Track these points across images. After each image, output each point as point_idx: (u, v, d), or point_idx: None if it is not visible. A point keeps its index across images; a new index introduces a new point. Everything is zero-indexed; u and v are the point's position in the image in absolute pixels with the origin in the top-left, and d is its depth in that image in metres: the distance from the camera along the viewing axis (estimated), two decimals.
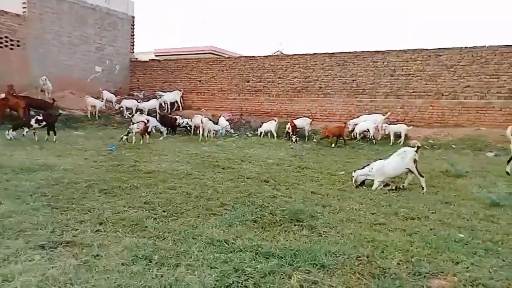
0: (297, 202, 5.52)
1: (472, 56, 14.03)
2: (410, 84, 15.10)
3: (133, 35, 21.42)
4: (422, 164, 9.29)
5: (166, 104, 18.12)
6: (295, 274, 3.18)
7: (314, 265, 3.41)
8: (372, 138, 13.58)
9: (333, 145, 12.90)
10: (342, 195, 6.21)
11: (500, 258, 3.70)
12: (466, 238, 4.26)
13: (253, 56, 18.50)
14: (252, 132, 15.42)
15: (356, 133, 13.91)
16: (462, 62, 14.20)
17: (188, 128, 14.90)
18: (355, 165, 8.24)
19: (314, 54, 17.01)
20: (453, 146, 12.75)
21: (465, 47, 14.16)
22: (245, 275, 3.10)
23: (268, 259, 3.49)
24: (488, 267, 3.48)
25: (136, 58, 22.00)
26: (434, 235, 4.34)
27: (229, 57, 20.39)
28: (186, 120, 15.16)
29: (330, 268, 3.36)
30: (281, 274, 3.18)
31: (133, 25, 21.24)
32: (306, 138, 14.29)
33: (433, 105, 14.66)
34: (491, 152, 11.68)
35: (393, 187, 6.83)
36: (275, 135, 14.25)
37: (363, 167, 7.02)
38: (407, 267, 3.46)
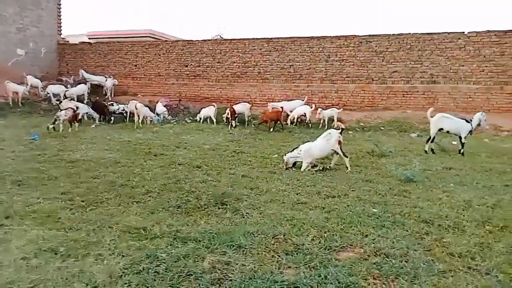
0: (225, 186, 5.56)
1: (398, 43, 14.88)
2: (344, 70, 15.71)
3: (60, 15, 19.88)
4: (352, 145, 9.82)
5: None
6: (209, 256, 3.20)
7: (231, 246, 3.46)
8: (309, 122, 13.99)
9: (271, 129, 13.10)
10: (271, 177, 6.35)
11: (404, 229, 4.01)
12: (379, 212, 4.56)
13: (191, 40, 18.11)
14: (191, 118, 15.18)
15: (294, 118, 14.23)
16: (390, 49, 15.02)
17: (124, 114, 14.31)
18: (289, 148, 8.44)
19: (253, 39, 17.03)
20: (382, 128, 13.54)
21: (392, 34, 14.98)
22: (157, 260, 3.07)
23: (185, 243, 3.49)
24: (392, 237, 3.76)
25: (66, 41, 20.52)
26: (350, 211, 4.59)
27: (166, 41, 19.76)
28: (121, 106, 14.53)
29: (246, 248, 3.44)
30: (195, 257, 3.20)
31: (59, 4, 19.69)
32: (246, 123, 14.36)
33: (364, 90, 15.41)
34: (415, 133, 12.57)
35: (320, 168, 7.12)
36: (214, 120, 14.15)
37: (293, 150, 7.22)
38: (319, 242, 3.64)
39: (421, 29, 14.99)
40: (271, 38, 16.76)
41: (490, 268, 3.11)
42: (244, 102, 15.26)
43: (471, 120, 8.91)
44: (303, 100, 14.79)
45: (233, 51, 17.24)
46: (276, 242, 3.63)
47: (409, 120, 13.74)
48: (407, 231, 3.97)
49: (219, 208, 4.57)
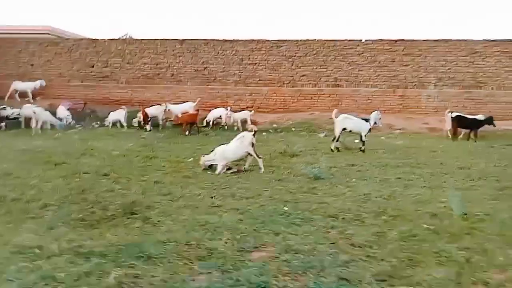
0: (135, 194, 5.30)
1: (306, 48, 15.77)
2: (257, 73, 16.13)
3: None
4: (265, 147, 10.08)
5: None
6: (115, 270, 3.01)
7: (140, 258, 3.30)
8: (224, 124, 14.07)
9: (186, 132, 12.88)
10: (186, 182, 6.23)
11: (312, 225, 4.23)
12: (289, 210, 4.74)
13: (97, 39, 16.96)
14: (98, 122, 14.21)
15: (210, 120, 14.18)
16: (299, 54, 15.84)
17: (20, 120, 12.83)
18: (206, 152, 8.36)
19: (164, 39, 16.60)
20: (293, 129, 14.20)
21: (300, 40, 15.83)
22: (55, 282, 2.79)
23: (88, 259, 3.23)
24: (301, 234, 3.94)
25: None
26: (263, 211, 4.71)
27: (67, 39, 18.19)
28: (16, 110, 13.00)
29: (156, 258, 3.30)
30: (99, 274, 2.97)
31: None
32: (160, 127, 13.91)
33: (276, 93, 16.02)
34: (322, 133, 13.41)
35: (235, 170, 7.19)
36: (124, 124, 13.44)
37: (210, 153, 7.19)
38: (232, 245, 3.65)
39: (326, 36, 16.04)
40: (184, 40, 16.51)
41: (385, 254, 3.44)
42: (158, 104, 14.76)
43: (368, 120, 9.80)
44: (194, 103, 14.56)
45: (144, 52, 16.59)
46: (189, 248, 3.56)
47: (317, 121, 14.62)
48: (314, 226, 4.19)
49: (128, 218, 4.33)
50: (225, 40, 16.29)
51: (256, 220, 4.35)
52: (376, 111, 10.07)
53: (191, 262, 3.28)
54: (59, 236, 3.68)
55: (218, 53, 16.26)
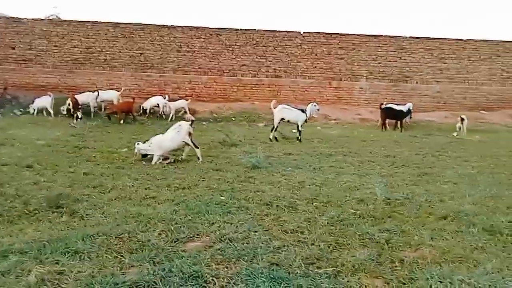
0: (61, 187, 4.98)
1: (246, 37, 15.79)
2: (196, 61, 15.85)
3: None
4: (205, 136, 10.02)
5: None
6: (37, 268, 2.82)
7: (66, 253, 3.12)
8: (162, 113, 13.69)
9: (121, 121, 12.34)
10: (118, 173, 5.99)
11: (247, 213, 4.30)
12: (226, 199, 4.77)
13: (19, 18, 15.47)
14: (21, 109, 13.07)
15: (146, 109, 13.69)
16: (239, 43, 15.82)
17: None
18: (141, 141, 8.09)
19: (96, 22, 15.62)
20: (233, 118, 14.25)
21: (240, 29, 15.80)
22: None
23: (6, 257, 2.99)
24: (236, 222, 3.99)
25: None
26: (199, 201, 4.68)
27: None
28: None
29: (84, 253, 3.15)
30: (19, 272, 2.77)
31: None
32: (92, 115, 13.16)
33: (217, 82, 15.90)
34: (262, 123, 13.63)
35: (172, 160, 7.05)
36: (51, 112, 12.51)
37: (145, 142, 6.96)
38: (166, 236, 3.60)
39: (266, 26, 16.19)
40: (118, 23, 15.68)
41: (315, 239, 3.61)
42: (89, 91, 13.92)
43: (305, 110, 10.14)
44: (118, 91, 13.98)
45: (73, 34, 15.49)
46: (120, 241, 3.44)
47: (257, 111, 14.81)
48: (250, 214, 4.27)
49: (53, 212, 4.07)
50: (163, 26, 15.75)
51: (191, 210, 4.32)
52: (312, 103, 10.42)
53: (121, 256, 3.17)
54: None
55: (155, 39, 15.69)
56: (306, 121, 10.18)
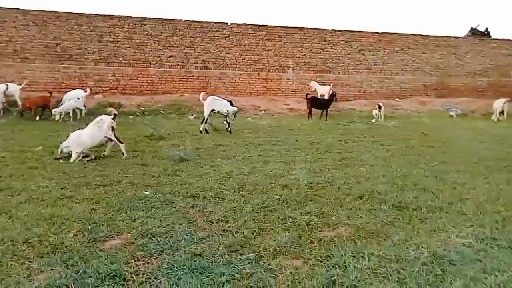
0: None
1: (172, 28, 15.35)
2: (120, 52, 15.06)
3: None
4: (131, 130, 9.61)
5: None
6: None
7: None
8: (84, 107, 12.81)
9: (37, 117, 11.36)
10: (31, 173, 5.49)
11: (172, 206, 4.21)
12: (150, 194, 4.62)
13: None
14: None
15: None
16: (165, 33, 15.33)
17: None
18: (60, 139, 7.48)
19: (3, 8, 14.03)
20: (162, 111, 13.84)
21: (166, 19, 15.31)
22: None
23: None
24: (160, 216, 3.90)
25: None
26: (121, 197, 4.48)
27: None
28: None
29: None
30: None
31: None
32: (2, 112, 11.92)
33: (143, 73, 15.29)
34: (192, 115, 13.43)
35: (93, 157, 6.65)
36: None
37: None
38: (83, 236, 3.39)
39: (193, 17, 15.89)
40: (28, 10, 14.26)
41: (239, 226, 3.66)
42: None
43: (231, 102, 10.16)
44: (20, 85, 12.66)
45: None
46: (29, 246, 3.17)
47: (187, 103, 14.54)
48: (175, 207, 4.19)
49: None
50: (81, 14, 14.67)
51: (112, 208, 4.12)
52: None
53: (29, 261, 2.92)
54: None
55: (73, 28, 14.57)
56: (236, 112, 10.24)
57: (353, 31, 17.29)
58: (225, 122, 10.44)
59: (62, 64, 14.60)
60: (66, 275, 2.71)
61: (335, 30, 17.14)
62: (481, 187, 5.04)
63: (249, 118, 13.06)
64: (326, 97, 14.17)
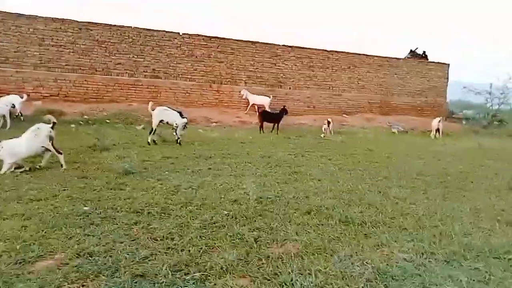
0: None
1: (121, 34, 14.86)
2: (63, 57, 14.28)
3: None
4: (73, 140, 9.04)
5: None
6: None
7: None
8: (20, 114, 11.92)
9: None
10: None
11: (114, 223, 3.94)
12: (90, 210, 4.32)
13: None
14: None
15: None
16: (113, 40, 14.79)
17: None
18: None
19: None
20: (108, 121, 13.23)
21: (114, 25, 14.80)
22: None
23: None
24: (99, 234, 3.64)
25: None
26: (57, 213, 4.14)
27: None
28: None
29: None
30: None
31: None
32: None
33: (88, 80, 14.59)
34: (140, 125, 12.97)
35: (27, 169, 6.14)
36: None
37: None
38: (9, 257, 3.07)
39: (142, 25, 15.47)
40: None
41: (185, 244, 3.51)
42: None
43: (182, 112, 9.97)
44: None
45: None
46: None
47: (135, 113, 14.05)
48: (116, 224, 3.94)
49: None
50: (20, 15, 13.73)
51: (46, 224, 3.78)
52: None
53: None
54: None
55: (10, 29, 13.59)
56: (187, 124, 10.03)
57: (303, 47, 17.84)
58: (174, 133, 10.20)
59: None
60: None
61: (286, 46, 17.58)
62: (420, 202, 5.30)
63: (200, 129, 12.86)
64: (267, 108, 14.46)
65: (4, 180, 5.39)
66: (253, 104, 15.47)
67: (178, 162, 7.42)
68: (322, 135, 13.13)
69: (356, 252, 3.42)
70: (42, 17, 13.99)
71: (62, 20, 14.20)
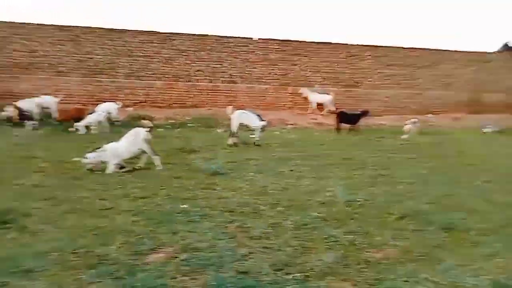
0: (8, 201, 4.56)
1: (200, 43, 15.64)
2: (149, 66, 15.41)
3: None
4: (162, 143, 9.69)
5: None
6: None
7: (15, 273, 2.85)
8: (117, 121, 13.12)
9: (71, 129, 11.66)
10: (71, 184, 5.62)
11: (211, 221, 4.20)
12: (188, 208, 4.63)
13: None
14: None
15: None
16: (193, 48, 15.62)
17: None
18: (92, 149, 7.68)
19: (40, 24, 14.67)
20: (190, 125, 13.98)
21: (194, 34, 15.62)
22: None
23: None
24: (200, 231, 3.88)
25: None
26: (159, 210, 4.51)
27: None
28: None
29: (37, 272, 2.90)
30: None
31: None
32: (37, 123, 12.33)
33: (172, 87, 15.56)
34: (220, 128, 13.49)
35: (129, 169, 6.75)
36: None
37: (94, 150, 6.59)
38: (127, 249, 3.41)
39: (220, 32, 16.11)
40: (63, 26, 14.83)
41: (281, 244, 3.59)
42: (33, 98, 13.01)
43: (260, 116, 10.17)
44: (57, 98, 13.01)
45: (14, 37, 14.43)
46: (76, 257, 3.21)
47: (215, 117, 14.64)
48: (213, 222, 4.17)
49: None
50: (112, 30, 15.14)
51: (152, 220, 4.14)
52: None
53: (79, 272, 2.95)
54: None
55: (104, 43, 15.03)
56: (264, 126, 10.24)
57: (380, 46, 17.14)
58: (252, 136, 10.45)
59: (94, 77, 15.05)
60: None
61: (362, 45, 17.03)
62: None
63: (277, 132, 13.00)
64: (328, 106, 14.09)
65: (111, 179, 5.99)
66: (315, 103, 15.56)
67: (260, 164, 7.59)
68: (405, 136, 12.47)
69: (465, 262, 3.20)
70: (131, 30, 15.26)
71: (148, 32, 15.36)
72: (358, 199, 5.00)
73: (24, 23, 14.61)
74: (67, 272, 2.95)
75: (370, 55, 17.01)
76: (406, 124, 13.09)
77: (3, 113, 11.75)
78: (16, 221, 3.92)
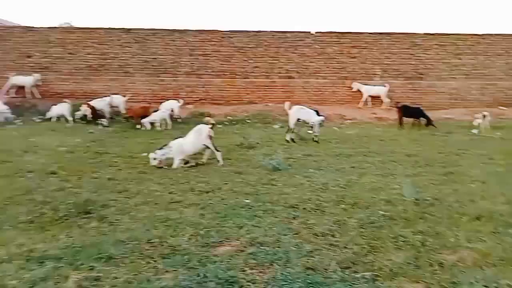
0: (88, 192, 5.00)
1: (257, 39, 15.77)
2: (208, 64, 15.86)
3: None
4: (222, 139, 9.97)
5: None
6: (74, 274, 2.83)
7: (100, 259, 3.13)
8: (179, 117, 13.71)
9: (138, 126, 12.42)
10: (141, 177, 6.01)
11: (274, 216, 4.26)
12: (251, 202, 4.74)
13: (33, 27, 15.70)
14: (41, 117, 13.22)
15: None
16: (250, 45, 15.79)
17: None
18: (159, 146, 8.11)
19: (109, 28, 15.75)
20: (248, 121, 14.20)
21: (251, 31, 15.78)
22: None
23: (42, 263, 3.01)
24: (265, 225, 3.96)
25: None
26: (225, 204, 4.66)
27: None
28: None
29: (117, 259, 3.16)
30: (57, 278, 2.78)
31: None
32: (107, 121, 13.30)
33: (230, 84, 15.89)
34: (277, 124, 13.54)
35: (193, 164, 7.05)
36: (69, 119, 12.64)
37: (161, 147, 6.96)
38: (196, 240, 3.58)
39: (277, 27, 16.14)
40: (130, 29, 15.77)
41: (347, 242, 3.55)
42: (104, 97, 14.04)
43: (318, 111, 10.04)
44: (124, 97, 13.95)
45: (87, 41, 15.64)
46: (151, 246, 3.44)
47: (272, 113, 14.72)
48: (277, 217, 4.23)
49: (82, 218, 4.09)
50: (174, 30, 15.81)
51: (218, 214, 4.30)
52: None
53: (154, 261, 3.16)
54: (6, 241, 3.38)
55: (167, 43, 15.75)
56: (322, 121, 10.10)
57: (447, 34, 16.04)
58: (310, 131, 10.35)
59: (158, 77, 15.84)
60: (189, 277, 2.86)
61: (426, 34, 16.07)
62: None
63: (334, 127, 12.77)
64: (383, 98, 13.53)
65: (177, 174, 6.30)
66: (369, 96, 15.06)
67: (320, 160, 7.52)
68: (475, 131, 11.61)
69: None
70: (191, 30, 15.83)
71: (207, 31, 15.82)
72: (426, 198, 4.77)
73: (95, 28, 15.75)
74: (144, 260, 3.17)
75: (436, 44, 16.00)
76: (476, 118, 12.17)
77: (78, 112, 12.79)
78: (96, 212, 4.28)
